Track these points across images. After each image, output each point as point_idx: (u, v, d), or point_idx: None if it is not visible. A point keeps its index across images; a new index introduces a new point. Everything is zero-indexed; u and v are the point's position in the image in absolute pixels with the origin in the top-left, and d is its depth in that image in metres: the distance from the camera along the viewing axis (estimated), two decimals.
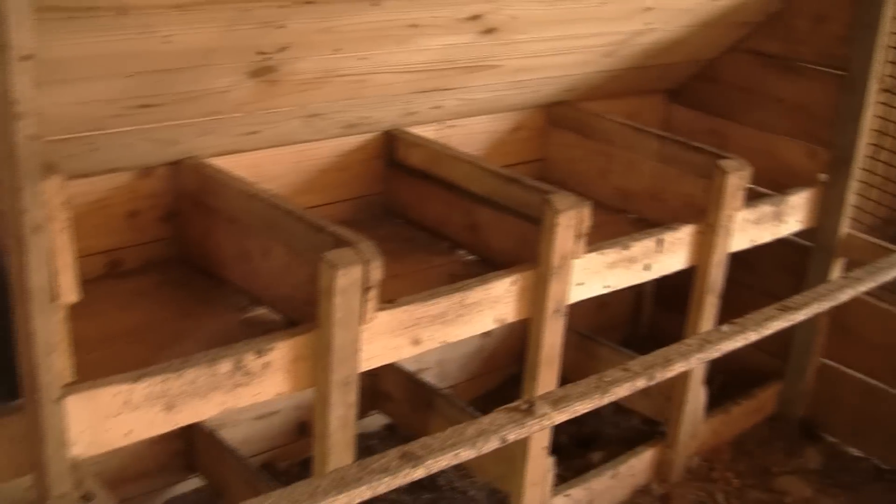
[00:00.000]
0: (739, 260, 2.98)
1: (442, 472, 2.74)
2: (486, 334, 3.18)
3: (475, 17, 2.39)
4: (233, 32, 2.00)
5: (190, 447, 2.71)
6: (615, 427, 3.33)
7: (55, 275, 1.64)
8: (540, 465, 2.63)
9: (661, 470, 3.10)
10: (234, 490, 2.59)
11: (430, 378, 3.08)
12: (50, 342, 1.65)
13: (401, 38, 2.31)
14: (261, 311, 2.27)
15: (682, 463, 3.12)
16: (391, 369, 2.94)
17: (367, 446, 2.97)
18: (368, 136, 2.73)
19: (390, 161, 2.78)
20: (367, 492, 1.82)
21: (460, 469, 2.94)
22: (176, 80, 2.08)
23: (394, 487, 1.81)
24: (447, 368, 3.25)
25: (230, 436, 2.73)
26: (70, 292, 1.70)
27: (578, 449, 3.20)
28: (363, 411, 2.57)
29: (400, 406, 2.99)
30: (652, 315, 3.84)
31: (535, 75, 2.85)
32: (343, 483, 1.70)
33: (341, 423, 2.11)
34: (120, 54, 1.89)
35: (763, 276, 3.37)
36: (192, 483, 2.79)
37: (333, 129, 2.61)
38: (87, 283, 2.21)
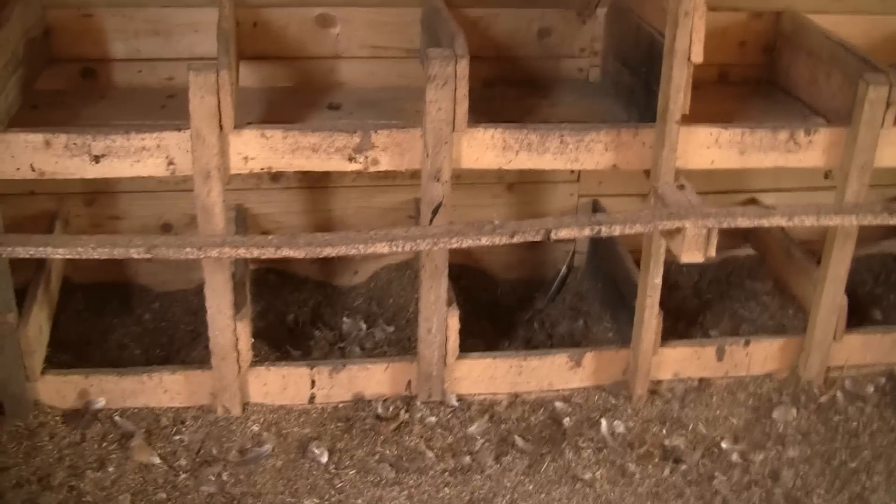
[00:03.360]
0: None
1: None
2: None
3: None
4: None
5: None
6: None
7: (692, 43, 2.69)
8: None
9: None
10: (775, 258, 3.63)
11: None
12: (679, 84, 2.73)
13: None
14: (818, 120, 3.18)
15: None
16: None
17: None
18: None
19: None
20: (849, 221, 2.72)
21: None
22: None
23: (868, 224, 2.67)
24: None
25: None
26: (698, 56, 2.71)
27: None
28: None
29: None
30: None
31: None
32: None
33: (854, 196, 2.99)
34: None
35: None
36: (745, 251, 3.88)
37: None
38: (702, 84, 3.33)
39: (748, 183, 3.71)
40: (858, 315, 3.53)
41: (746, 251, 3.86)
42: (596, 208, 3.59)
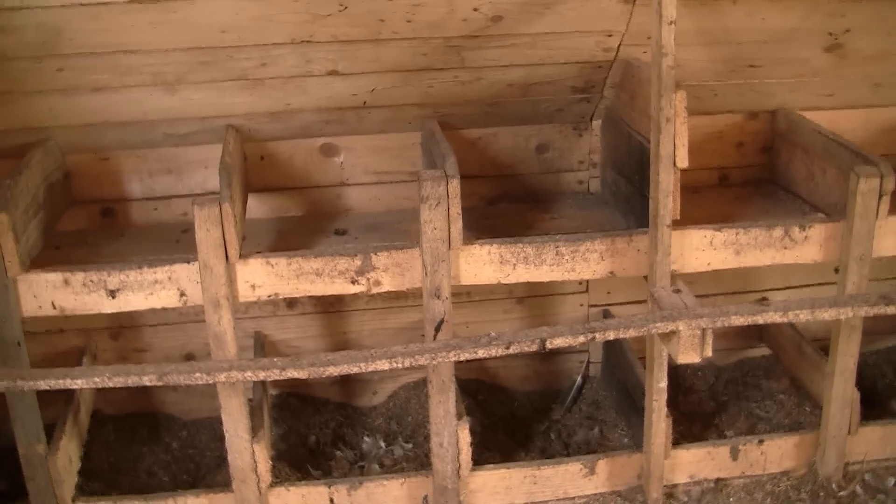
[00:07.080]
0: None
1: None
2: None
3: None
4: (808, 18, 3.04)
5: None
6: None
7: (677, 148, 2.77)
8: None
9: None
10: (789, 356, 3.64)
11: None
12: (667, 189, 2.81)
13: None
14: (817, 216, 3.21)
15: None
16: None
17: None
18: None
19: None
20: (845, 312, 2.75)
21: None
22: (772, 48, 3.14)
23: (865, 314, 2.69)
24: None
25: None
26: (683, 161, 2.78)
27: None
28: None
29: None
30: None
31: None
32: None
33: (855, 288, 3.00)
34: (722, 29, 3.03)
35: None
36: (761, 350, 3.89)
37: None
38: (703, 188, 3.40)
39: (757, 283, 3.75)
40: (879, 407, 3.51)
41: (762, 351, 3.87)
42: (606, 317, 3.64)
